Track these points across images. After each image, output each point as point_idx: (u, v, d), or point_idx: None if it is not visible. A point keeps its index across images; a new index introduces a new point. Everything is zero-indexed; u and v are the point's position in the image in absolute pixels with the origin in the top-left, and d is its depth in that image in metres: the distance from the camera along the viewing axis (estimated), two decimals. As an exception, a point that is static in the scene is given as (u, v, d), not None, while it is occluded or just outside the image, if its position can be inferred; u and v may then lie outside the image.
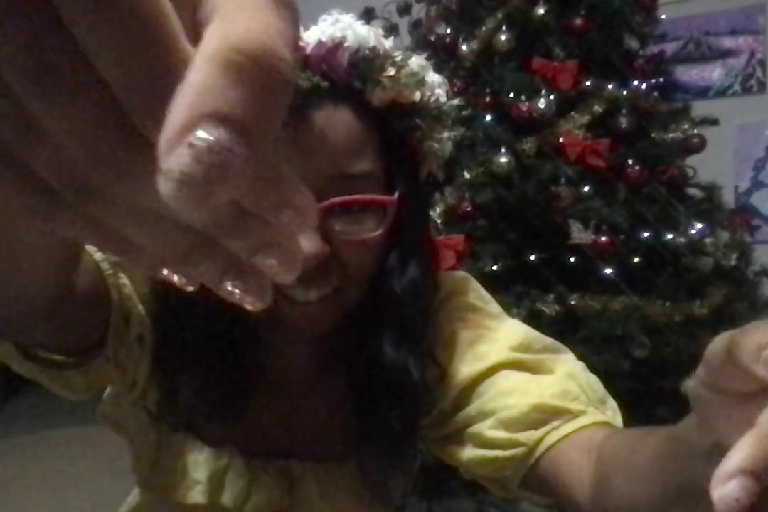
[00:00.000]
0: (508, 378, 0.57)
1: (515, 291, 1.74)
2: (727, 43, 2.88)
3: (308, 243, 0.49)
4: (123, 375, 0.59)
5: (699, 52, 2.97)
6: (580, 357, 0.61)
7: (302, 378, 0.64)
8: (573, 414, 0.53)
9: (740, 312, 1.94)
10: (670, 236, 1.83)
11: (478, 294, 0.65)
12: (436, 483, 1.69)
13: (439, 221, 1.75)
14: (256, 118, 0.14)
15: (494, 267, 1.74)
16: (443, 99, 0.57)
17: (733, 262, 1.94)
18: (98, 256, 0.52)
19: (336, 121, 0.51)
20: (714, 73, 2.95)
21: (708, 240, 1.86)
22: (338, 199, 0.51)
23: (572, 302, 1.74)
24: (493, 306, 0.64)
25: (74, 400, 0.60)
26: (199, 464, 0.59)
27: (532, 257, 1.78)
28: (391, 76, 0.53)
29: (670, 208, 1.87)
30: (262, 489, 0.60)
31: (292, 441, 0.63)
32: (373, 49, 0.53)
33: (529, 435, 0.53)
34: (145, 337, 0.57)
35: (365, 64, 0.53)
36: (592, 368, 0.60)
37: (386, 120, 0.55)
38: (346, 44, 0.52)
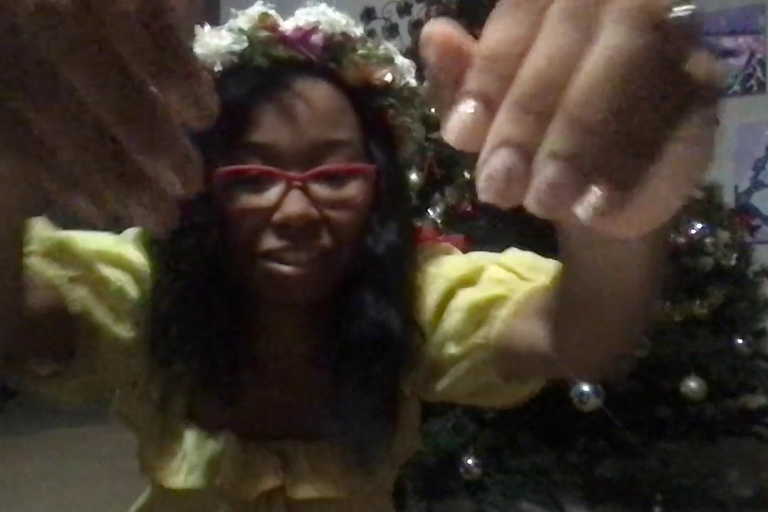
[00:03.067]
0: (456, 299, 0.60)
1: (515, 291, 1.73)
2: (727, 43, 2.87)
3: (295, 204, 0.53)
4: (111, 378, 0.60)
5: (699, 52, 2.96)
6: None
7: (297, 358, 0.65)
8: (505, 297, 0.56)
9: (740, 312, 1.94)
10: (670, 236, 1.83)
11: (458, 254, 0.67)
12: (436, 483, 1.69)
13: (439, 221, 1.74)
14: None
15: (494, 267, 1.74)
16: (412, 81, 0.63)
17: (733, 262, 1.94)
18: (51, 272, 0.53)
19: (316, 91, 0.56)
20: (714, 73, 2.94)
21: (708, 240, 1.86)
22: (324, 167, 0.55)
23: (572, 302, 1.73)
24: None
25: (76, 403, 0.61)
26: (196, 449, 0.61)
27: (532, 257, 1.77)
28: (362, 55, 0.59)
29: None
30: (256, 471, 0.61)
31: (287, 422, 0.64)
32: (344, 33, 0.60)
33: (478, 335, 0.58)
34: (122, 343, 0.58)
35: (338, 46, 0.59)
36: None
37: (362, 98, 0.60)
38: (320, 27, 0.58)
